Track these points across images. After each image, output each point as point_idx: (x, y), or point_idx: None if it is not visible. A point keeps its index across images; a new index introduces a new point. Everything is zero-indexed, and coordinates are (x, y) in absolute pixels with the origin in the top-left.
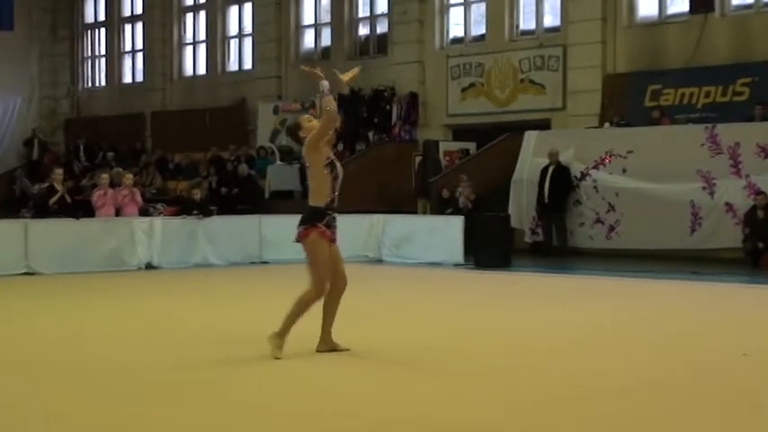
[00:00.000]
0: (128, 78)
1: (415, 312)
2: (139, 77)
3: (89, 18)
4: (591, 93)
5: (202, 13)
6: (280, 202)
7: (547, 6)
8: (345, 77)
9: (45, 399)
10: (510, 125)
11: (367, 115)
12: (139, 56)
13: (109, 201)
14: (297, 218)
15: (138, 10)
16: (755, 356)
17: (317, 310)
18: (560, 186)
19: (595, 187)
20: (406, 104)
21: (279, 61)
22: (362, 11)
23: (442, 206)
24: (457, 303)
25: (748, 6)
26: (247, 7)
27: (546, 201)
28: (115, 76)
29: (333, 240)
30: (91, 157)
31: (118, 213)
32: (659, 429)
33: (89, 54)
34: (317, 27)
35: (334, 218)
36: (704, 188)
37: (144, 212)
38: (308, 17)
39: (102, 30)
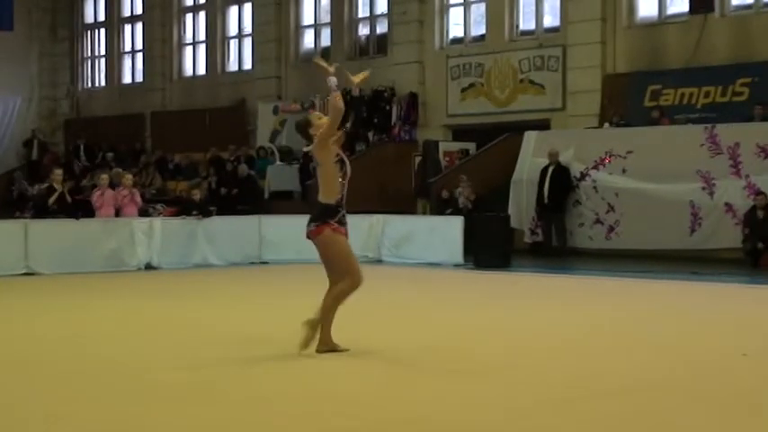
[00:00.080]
0: (127, 78)
1: (415, 312)
2: (139, 78)
3: (89, 18)
4: (590, 93)
5: (202, 14)
6: (279, 203)
7: (546, 6)
8: (356, 79)
9: (45, 399)
10: (510, 125)
11: (367, 115)
12: (139, 56)
13: (108, 201)
14: (297, 218)
15: (138, 10)
16: (755, 357)
17: (315, 310)
18: (560, 187)
19: (595, 187)
20: (405, 105)
21: (279, 61)
22: (362, 11)
23: (442, 206)
24: (456, 303)
25: (748, 6)
26: (247, 7)
27: (545, 201)
28: (115, 76)
29: (345, 237)
30: (91, 157)
31: (117, 214)
32: (659, 429)
33: (89, 54)
34: (316, 27)
35: (344, 215)
36: (704, 188)
37: (143, 213)
38: (307, 17)
39: (102, 30)
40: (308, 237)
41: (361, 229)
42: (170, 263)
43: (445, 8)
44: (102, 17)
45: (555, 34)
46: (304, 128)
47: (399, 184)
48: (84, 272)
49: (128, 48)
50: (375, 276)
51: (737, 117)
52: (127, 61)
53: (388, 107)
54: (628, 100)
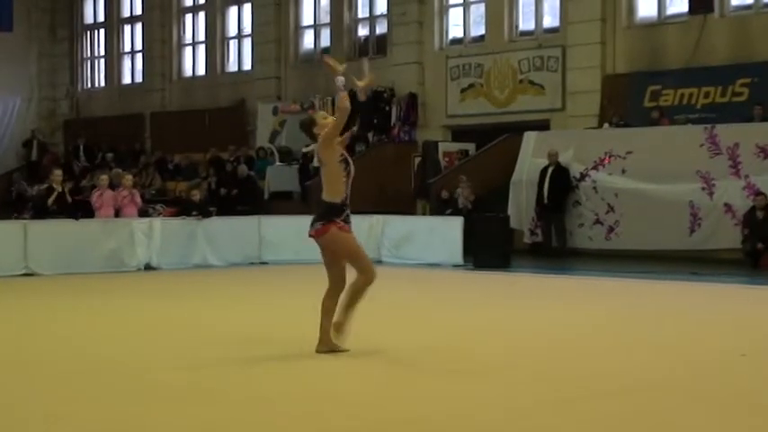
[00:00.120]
0: (127, 79)
1: (415, 313)
2: (139, 78)
3: (88, 19)
4: (590, 93)
5: (202, 14)
6: (279, 203)
7: (546, 7)
8: (361, 84)
9: (45, 399)
10: (509, 126)
11: (367, 116)
12: (139, 56)
13: (108, 202)
14: (296, 218)
15: (138, 11)
16: (754, 357)
17: (315, 310)
18: (560, 187)
19: (595, 188)
20: (405, 105)
21: (278, 62)
22: (362, 12)
23: (442, 207)
24: (456, 304)
25: (747, 7)
26: (247, 8)
27: (545, 201)
28: (114, 76)
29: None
30: (90, 157)
31: (117, 214)
32: (659, 429)
33: (88, 55)
34: (316, 28)
35: (348, 214)
36: (703, 189)
37: (143, 213)
38: (307, 18)
39: (102, 30)
40: (313, 236)
41: (361, 230)
42: (170, 263)
43: (445, 9)
44: (101, 18)
45: (554, 35)
46: (308, 126)
47: (399, 185)
48: (83, 272)
49: (127, 48)
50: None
51: (737, 117)
52: (126, 62)
53: (387, 108)
54: (627, 100)
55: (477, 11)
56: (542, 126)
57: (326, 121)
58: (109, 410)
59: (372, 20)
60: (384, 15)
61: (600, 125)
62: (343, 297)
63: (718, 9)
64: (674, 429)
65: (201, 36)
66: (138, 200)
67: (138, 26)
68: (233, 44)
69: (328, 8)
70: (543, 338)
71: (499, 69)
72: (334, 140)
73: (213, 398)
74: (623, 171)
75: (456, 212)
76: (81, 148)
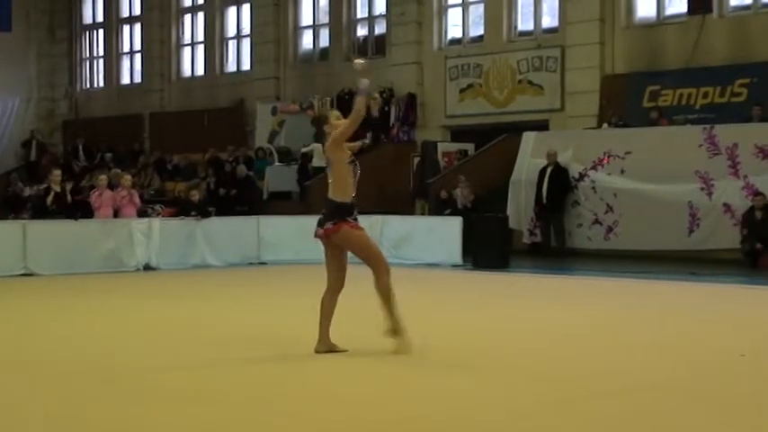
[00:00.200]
0: (126, 79)
1: (414, 313)
2: (138, 78)
3: (87, 19)
4: (589, 93)
5: (200, 15)
6: (278, 203)
7: (545, 7)
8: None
9: (45, 399)
10: (508, 126)
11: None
12: (138, 57)
13: (107, 202)
14: (295, 219)
15: (137, 11)
16: (754, 357)
17: (314, 311)
18: (559, 187)
19: (594, 188)
20: (404, 105)
21: (277, 62)
22: (361, 12)
23: (441, 207)
24: (455, 304)
25: (746, 7)
26: (245, 8)
27: (544, 201)
28: (113, 77)
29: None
30: (89, 158)
31: (116, 215)
32: (659, 429)
33: (87, 55)
34: (315, 28)
35: (356, 213)
36: (702, 189)
37: (142, 213)
38: (306, 18)
39: (101, 31)
40: (320, 235)
41: None
42: (169, 263)
43: (443, 9)
44: (100, 18)
45: (553, 35)
46: (321, 122)
47: (398, 185)
48: (82, 272)
49: (126, 48)
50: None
51: (736, 118)
52: (125, 62)
53: (386, 108)
54: (626, 101)
55: (476, 11)
56: (541, 126)
57: (339, 122)
58: (109, 410)
59: (371, 20)
60: (383, 15)
61: (599, 125)
62: (380, 304)
63: (717, 9)
64: (675, 430)
65: (200, 36)
66: (137, 200)
67: (137, 26)
68: (232, 44)
69: (327, 8)
70: (543, 338)
71: (498, 69)
72: (345, 142)
73: (213, 398)
74: (622, 171)
75: (455, 212)
76: (80, 147)
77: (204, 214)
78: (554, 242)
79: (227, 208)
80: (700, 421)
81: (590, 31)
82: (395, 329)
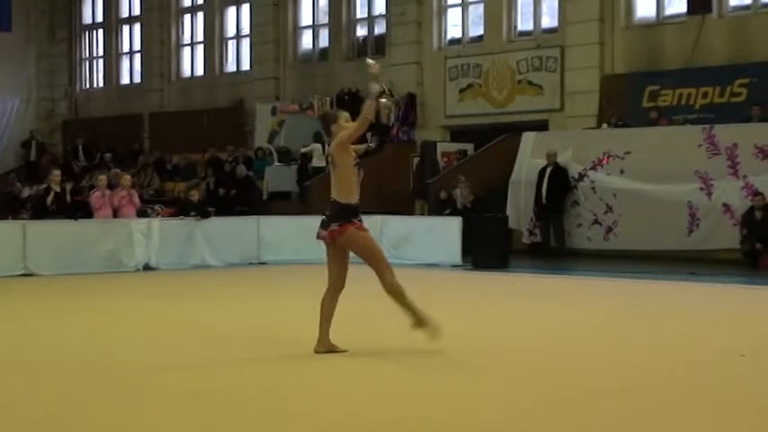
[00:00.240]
0: (125, 79)
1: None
2: (137, 78)
3: (87, 19)
4: (589, 94)
5: (200, 15)
6: (277, 203)
7: (544, 7)
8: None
9: (45, 399)
10: (508, 126)
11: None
12: (137, 57)
13: (106, 202)
14: (295, 219)
15: (136, 11)
16: (754, 357)
17: (314, 311)
18: (558, 187)
19: (593, 188)
20: (404, 105)
21: (277, 62)
22: (360, 12)
23: (440, 207)
24: (455, 304)
25: (746, 7)
26: (245, 8)
27: (544, 202)
28: (113, 77)
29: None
30: (89, 158)
31: (116, 215)
32: (659, 429)
33: (87, 55)
34: (314, 28)
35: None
36: (702, 189)
37: (142, 214)
38: (305, 18)
39: (100, 31)
40: (324, 237)
41: None
42: (168, 264)
43: (443, 9)
44: (99, 18)
45: (553, 35)
46: (329, 121)
47: (397, 185)
48: (82, 273)
49: (126, 49)
50: (373, 278)
51: (735, 118)
52: (125, 62)
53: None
54: (626, 101)
55: (476, 11)
56: (541, 126)
57: (347, 124)
58: (109, 410)
59: (371, 20)
60: (383, 15)
61: (598, 125)
62: (395, 303)
63: (717, 9)
64: (675, 430)
65: (200, 36)
66: (137, 200)
67: (137, 26)
68: (231, 44)
69: (327, 8)
70: (542, 338)
71: (498, 70)
72: (350, 145)
73: (213, 398)
74: (622, 171)
75: (454, 213)
76: (80, 147)
77: (204, 214)
78: (553, 242)
79: (226, 208)
80: (699, 421)
81: (589, 31)
82: (419, 320)
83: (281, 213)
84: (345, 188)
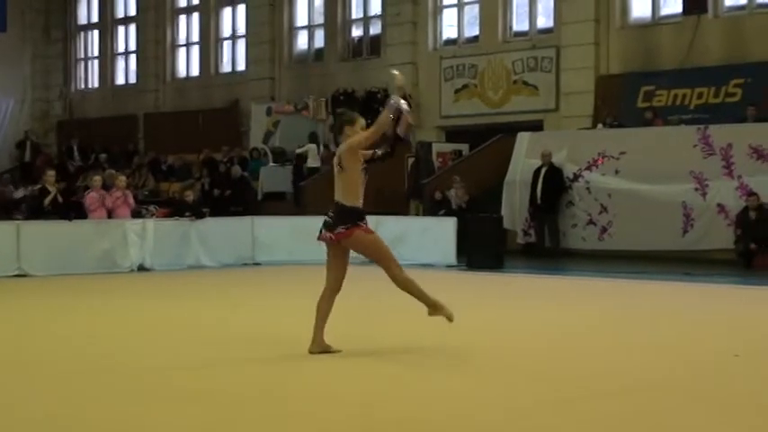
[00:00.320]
0: (121, 80)
1: (410, 314)
2: (132, 79)
3: (82, 19)
4: (584, 94)
5: (195, 15)
6: (272, 204)
7: (540, 8)
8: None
9: (45, 399)
10: (503, 126)
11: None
12: (132, 57)
13: (101, 204)
14: (289, 219)
15: (132, 11)
16: (750, 357)
17: (310, 311)
18: (553, 188)
19: (588, 188)
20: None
21: (272, 63)
22: (356, 12)
23: (435, 207)
24: (450, 304)
25: (741, 8)
26: (241, 9)
27: (538, 202)
28: (108, 77)
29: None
30: (83, 158)
31: (110, 215)
32: (659, 429)
33: (82, 55)
34: (310, 28)
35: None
36: (696, 189)
37: (136, 214)
38: (301, 19)
39: (96, 31)
40: (328, 239)
41: None
42: (163, 264)
43: (439, 9)
44: (95, 18)
45: (548, 35)
46: (343, 121)
47: (392, 186)
48: (76, 273)
49: (121, 49)
50: (369, 278)
51: (730, 118)
52: (120, 62)
53: (381, 108)
54: (621, 101)
55: (471, 11)
56: (536, 127)
57: (360, 131)
58: (109, 410)
59: (366, 20)
60: (378, 16)
61: (593, 126)
62: (410, 295)
63: (712, 10)
64: (675, 430)
65: (195, 37)
66: (132, 201)
67: (132, 27)
68: (227, 45)
69: (322, 9)
70: (540, 339)
71: (493, 70)
72: (360, 151)
73: (213, 398)
74: (616, 171)
75: (449, 213)
76: (75, 147)
77: (198, 215)
78: (548, 242)
79: (221, 208)
80: (700, 421)
81: (585, 32)
82: (434, 307)
83: (275, 214)
84: (352, 191)
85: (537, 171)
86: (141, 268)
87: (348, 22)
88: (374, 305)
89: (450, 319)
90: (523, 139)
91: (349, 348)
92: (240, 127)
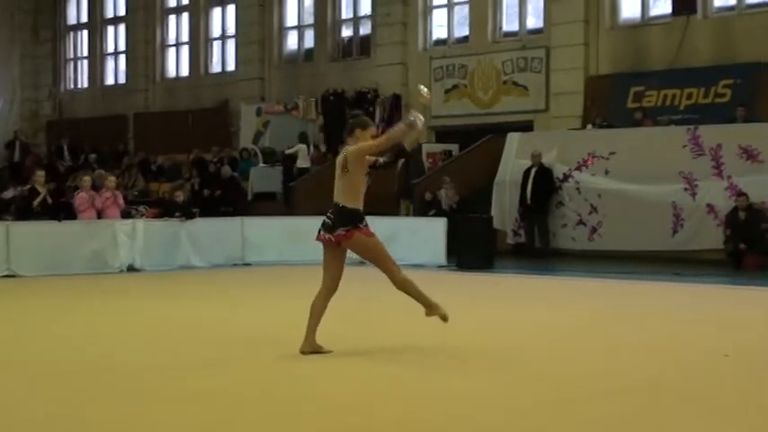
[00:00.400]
0: (110, 80)
1: (402, 314)
2: (122, 79)
3: (71, 19)
4: (573, 94)
5: (185, 15)
6: (262, 204)
7: (530, 8)
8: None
9: (45, 399)
10: (493, 127)
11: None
12: (122, 57)
13: (91, 204)
14: (279, 219)
15: (121, 11)
16: (740, 357)
17: (305, 311)
18: (543, 188)
19: (578, 189)
20: (389, 106)
21: (262, 63)
22: (346, 12)
23: (425, 208)
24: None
25: (730, 8)
26: (230, 9)
27: (528, 202)
28: (97, 77)
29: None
30: (73, 158)
31: (100, 216)
32: (659, 429)
33: (71, 56)
34: (300, 29)
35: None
36: (686, 189)
37: (126, 215)
38: (291, 19)
39: (85, 31)
40: (327, 240)
41: None
42: (153, 264)
43: (428, 10)
44: (84, 18)
45: (538, 36)
46: (357, 125)
47: (382, 186)
48: (66, 274)
49: (110, 49)
50: (359, 279)
51: (720, 118)
52: (109, 62)
53: (371, 109)
54: (611, 101)
55: (461, 12)
56: (526, 127)
57: (371, 139)
58: (109, 410)
59: (356, 21)
60: (368, 16)
61: (583, 126)
62: (409, 296)
63: (702, 10)
64: (674, 429)
65: (185, 37)
66: (121, 202)
67: (122, 27)
68: (216, 45)
69: (312, 9)
70: (536, 339)
71: (483, 70)
72: (366, 156)
73: (213, 398)
74: (606, 172)
75: (439, 213)
76: (65, 147)
77: (188, 215)
78: (538, 243)
79: (211, 209)
80: (699, 421)
81: (575, 32)
82: (430, 307)
83: (265, 214)
84: (353, 194)
85: (527, 171)
86: (131, 269)
87: (338, 23)
88: (373, 306)
89: (444, 319)
90: (513, 139)
91: (348, 348)
92: (230, 127)
